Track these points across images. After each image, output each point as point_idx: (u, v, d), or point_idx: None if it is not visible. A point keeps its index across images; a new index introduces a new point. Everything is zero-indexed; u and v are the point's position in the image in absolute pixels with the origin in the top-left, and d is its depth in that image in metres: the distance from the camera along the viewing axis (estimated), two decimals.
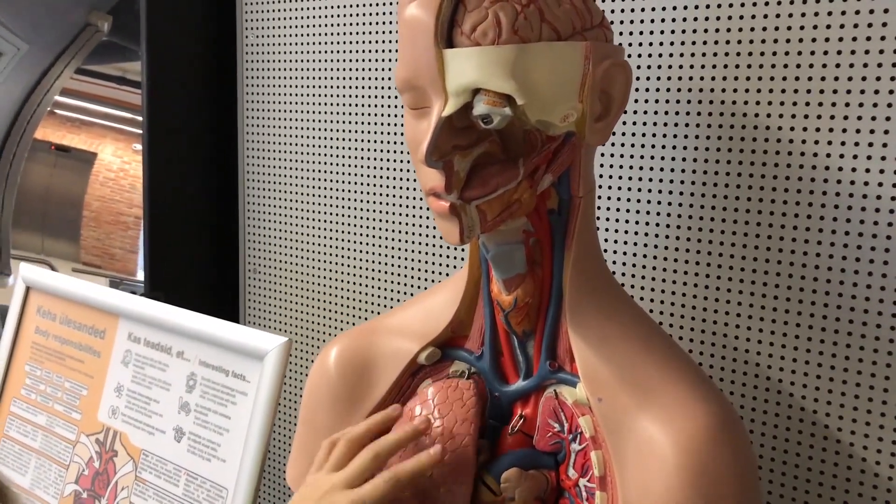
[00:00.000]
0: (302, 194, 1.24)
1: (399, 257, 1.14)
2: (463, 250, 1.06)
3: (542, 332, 0.70)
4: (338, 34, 1.17)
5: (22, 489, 1.11)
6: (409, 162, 1.11)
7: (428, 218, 1.10)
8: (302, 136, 1.23)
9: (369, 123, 1.15)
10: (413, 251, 1.12)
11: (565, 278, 0.68)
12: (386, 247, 1.15)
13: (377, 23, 1.13)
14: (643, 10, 0.89)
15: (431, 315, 0.77)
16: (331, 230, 1.21)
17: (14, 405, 1.16)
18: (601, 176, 0.93)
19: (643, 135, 0.90)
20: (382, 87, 1.13)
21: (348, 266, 1.20)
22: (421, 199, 1.11)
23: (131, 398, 1.03)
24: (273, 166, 1.26)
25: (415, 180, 1.11)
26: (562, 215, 0.68)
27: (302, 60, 1.22)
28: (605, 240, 0.94)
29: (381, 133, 1.14)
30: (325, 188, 1.21)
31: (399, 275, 1.14)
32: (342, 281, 1.21)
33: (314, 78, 1.20)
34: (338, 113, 1.18)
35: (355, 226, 1.18)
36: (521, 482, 0.68)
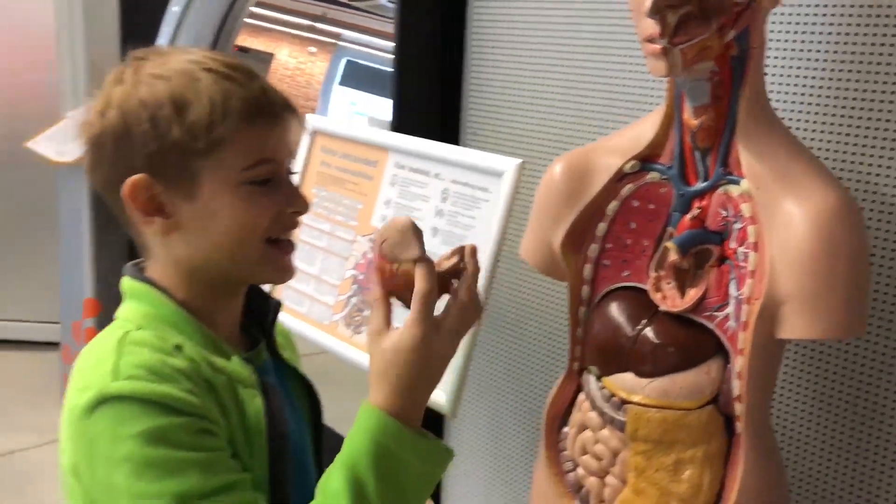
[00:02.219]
0: (527, 36, 1.45)
1: (613, 95, 1.36)
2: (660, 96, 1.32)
3: (717, 147, 0.98)
4: None
5: (311, 275, 1.51)
6: (626, 26, 1.37)
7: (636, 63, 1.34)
8: None
9: None
10: (623, 88, 1.35)
11: (739, 108, 0.95)
12: (601, 87, 1.37)
13: None
14: None
15: (635, 137, 1.06)
16: (554, 72, 1.45)
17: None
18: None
19: None
20: None
21: (570, 101, 1.43)
22: (633, 60, 1.37)
23: (398, 208, 1.39)
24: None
25: (633, 46, 1.36)
26: (740, 62, 0.95)
27: None
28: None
29: None
30: (549, 32, 1.43)
31: (612, 109, 1.36)
32: (564, 114, 1.44)
33: None
34: None
35: (576, 67, 1.40)
36: None
